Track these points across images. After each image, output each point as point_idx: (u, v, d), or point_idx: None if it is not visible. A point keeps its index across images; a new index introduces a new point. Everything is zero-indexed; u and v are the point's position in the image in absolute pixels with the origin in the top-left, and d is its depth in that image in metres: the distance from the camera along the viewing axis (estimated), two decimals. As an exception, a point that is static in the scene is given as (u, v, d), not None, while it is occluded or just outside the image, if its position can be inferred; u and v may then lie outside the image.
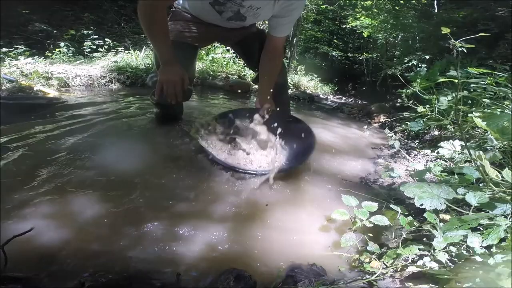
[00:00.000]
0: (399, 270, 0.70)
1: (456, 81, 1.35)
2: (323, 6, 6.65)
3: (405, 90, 1.88)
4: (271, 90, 1.47)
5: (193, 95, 2.21)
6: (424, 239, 0.82)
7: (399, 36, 5.19)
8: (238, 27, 1.51)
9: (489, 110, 1.46)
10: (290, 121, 1.50)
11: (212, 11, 1.35)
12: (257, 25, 1.72)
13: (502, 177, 0.89)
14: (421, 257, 0.73)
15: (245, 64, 1.84)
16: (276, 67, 1.51)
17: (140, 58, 3.78)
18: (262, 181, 1.15)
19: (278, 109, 1.46)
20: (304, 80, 5.02)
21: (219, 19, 1.40)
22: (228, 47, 4.27)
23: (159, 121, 1.71)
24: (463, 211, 0.88)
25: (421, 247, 0.76)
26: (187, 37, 1.47)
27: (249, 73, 4.39)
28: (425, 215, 0.83)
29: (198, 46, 1.61)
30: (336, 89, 5.80)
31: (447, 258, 0.70)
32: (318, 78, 5.47)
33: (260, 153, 1.33)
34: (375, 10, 5.17)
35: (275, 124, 1.36)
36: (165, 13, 1.26)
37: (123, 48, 4.05)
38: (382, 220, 0.84)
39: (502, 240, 0.66)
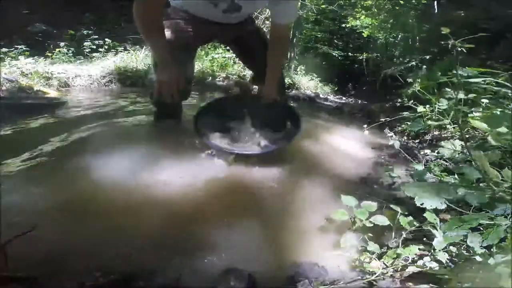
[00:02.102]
0: (399, 270, 0.70)
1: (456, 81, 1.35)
2: (323, 6, 6.65)
3: (405, 89, 1.88)
4: (274, 76, 1.47)
5: (194, 95, 2.21)
6: (424, 239, 0.82)
7: (399, 36, 5.18)
8: (235, 22, 1.49)
9: (489, 110, 1.46)
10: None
11: (207, 4, 1.33)
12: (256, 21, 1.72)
13: (502, 177, 0.89)
14: (421, 257, 0.73)
15: (243, 63, 1.85)
16: (280, 54, 1.51)
17: (140, 58, 3.78)
18: (261, 182, 1.15)
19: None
20: (304, 80, 5.02)
21: (215, 12, 1.37)
22: (228, 47, 4.27)
23: (158, 121, 1.71)
24: (463, 211, 0.88)
25: (421, 247, 0.76)
26: (184, 36, 1.46)
27: (249, 73, 4.39)
28: (425, 215, 0.83)
29: (196, 45, 1.60)
30: (336, 89, 5.79)
31: (447, 258, 0.70)
32: (318, 78, 5.47)
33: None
34: (375, 10, 5.17)
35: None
36: (158, 13, 1.25)
37: (123, 48, 4.05)
38: (382, 220, 0.84)
39: (502, 240, 0.66)
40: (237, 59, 4.56)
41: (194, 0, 1.39)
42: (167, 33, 1.40)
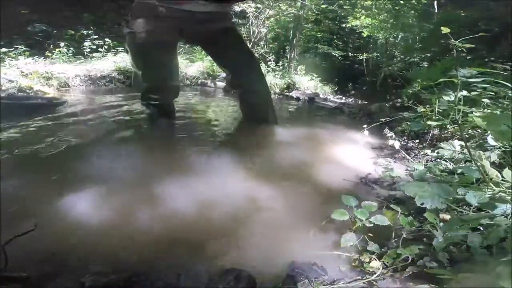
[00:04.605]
0: (399, 270, 0.70)
1: (456, 81, 1.35)
2: (323, 6, 6.64)
3: (405, 89, 1.88)
4: None
5: (194, 95, 2.21)
6: (424, 239, 0.82)
7: (399, 36, 5.18)
8: (206, 17, 1.41)
9: (489, 110, 1.46)
10: None
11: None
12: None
13: (502, 177, 0.89)
14: (421, 257, 0.72)
15: (216, 63, 1.75)
16: None
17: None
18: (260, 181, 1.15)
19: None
20: (304, 80, 5.01)
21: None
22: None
23: (153, 121, 1.73)
24: (463, 210, 0.88)
25: (421, 247, 0.76)
26: (157, 34, 1.40)
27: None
28: (425, 215, 0.83)
29: (173, 43, 1.52)
30: (336, 89, 5.78)
31: (447, 258, 0.70)
32: (318, 78, 5.46)
33: None
34: (375, 10, 5.17)
35: None
36: None
37: (123, 48, 4.05)
38: (382, 220, 0.84)
39: (502, 240, 0.66)
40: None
41: None
42: (142, 34, 1.35)
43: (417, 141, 1.83)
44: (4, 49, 3.26)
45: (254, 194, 1.09)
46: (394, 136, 1.80)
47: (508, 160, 1.05)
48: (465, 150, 1.23)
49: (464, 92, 1.47)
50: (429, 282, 0.63)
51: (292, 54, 5.97)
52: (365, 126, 1.86)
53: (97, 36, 4.20)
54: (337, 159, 1.52)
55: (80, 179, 1.08)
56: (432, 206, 0.81)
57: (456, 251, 0.72)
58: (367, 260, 0.75)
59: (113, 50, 4.00)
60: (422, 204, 0.83)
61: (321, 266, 0.73)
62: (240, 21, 5.56)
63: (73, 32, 4.40)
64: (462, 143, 1.26)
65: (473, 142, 1.36)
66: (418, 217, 0.93)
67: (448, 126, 1.70)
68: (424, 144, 1.74)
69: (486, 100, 1.53)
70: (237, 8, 5.33)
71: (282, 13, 5.82)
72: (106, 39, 4.13)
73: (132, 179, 1.11)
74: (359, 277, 0.70)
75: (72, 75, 3.06)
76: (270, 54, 5.45)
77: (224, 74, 4.20)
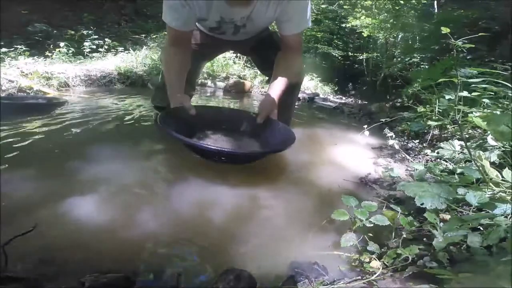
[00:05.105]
0: (399, 270, 0.70)
1: (456, 81, 1.35)
2: (323, 6, 6.64)
3: (405, 89, 1.88)
4: (281, 90, 1.31)
5: (194, 96, 2.21)
6: (424, 239, 0.82)
7: (399, 36, 5.19)
8: (249, 37, 1.51)
9: (489, 110, 1.46)
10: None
11: (215, 35, 1.43)
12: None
13: (502, 177, 0.89)
14: (421, 257, 0.73)
15: (260, 69, 1.79)
16: (289, 68, 1.37)
17: (140, 58, 3.78)
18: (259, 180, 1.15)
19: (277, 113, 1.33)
20: (304, 80, 5.01)
21: (226, 37, 1.44)
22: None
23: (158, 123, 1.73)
24: (463, 210, 0.88)
25: (421, 247, 0.76)
26: (199, 46, 1.49)
27: (249, 73, 4.39)
28: (425, 215, 0.83)
29: (211, 56, 1.72)
30: (336, 89, 5.78)
31: (447, 258, 0.70)
32: (318, 78, 5.46)
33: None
34: (375, 10, 5.17)
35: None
36: (177, 56, 1.28)
37: (123, 48, 4.05)
38: (382, 220, 0.84)
39: (502, 240, 0.66)
40: (237, 59, 4.58)
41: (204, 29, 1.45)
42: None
43: (417, 141, 1.84)
44: (4, 49, 3.26)
45: (253, 194, 1.09)
46: (394, 136, 1.80)
47: (508, 160, 1.05)
48: (465, 150, 1.23)
49: (465, 93, 1.48)
50: (429, 282, 0.63)
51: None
52: (365, 126, 1.86)
53: (97, 36, 4.21)
54: (337, 159, 1.52)
55: (79, 179, 1.08)
56: (432, 206, 0.81)
57: (456, 251, 0.72)
58: (367, 260, 0.75)
59: (113, 50, 4.01)
60: (422, 204, 0.83)
61: (322, 265, 0.74)
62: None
63: (73, 32, 4.41)
64: (462, 143, 1.27)
65: (473, 142, 1.36)
66: (418, 217, 0.93)
67: (448, 126, 1.70)
68: (424, 144, 1.74)
69: (486, 100, 1.53)
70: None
71: (282, 13, 5.80)
72: (106, 39, 4.14)
73: (132, 179, 1.11)
74: (359, 277, 0.70)
75: (72, 75, 3.05)
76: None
77: (224, 74, 4.23)
